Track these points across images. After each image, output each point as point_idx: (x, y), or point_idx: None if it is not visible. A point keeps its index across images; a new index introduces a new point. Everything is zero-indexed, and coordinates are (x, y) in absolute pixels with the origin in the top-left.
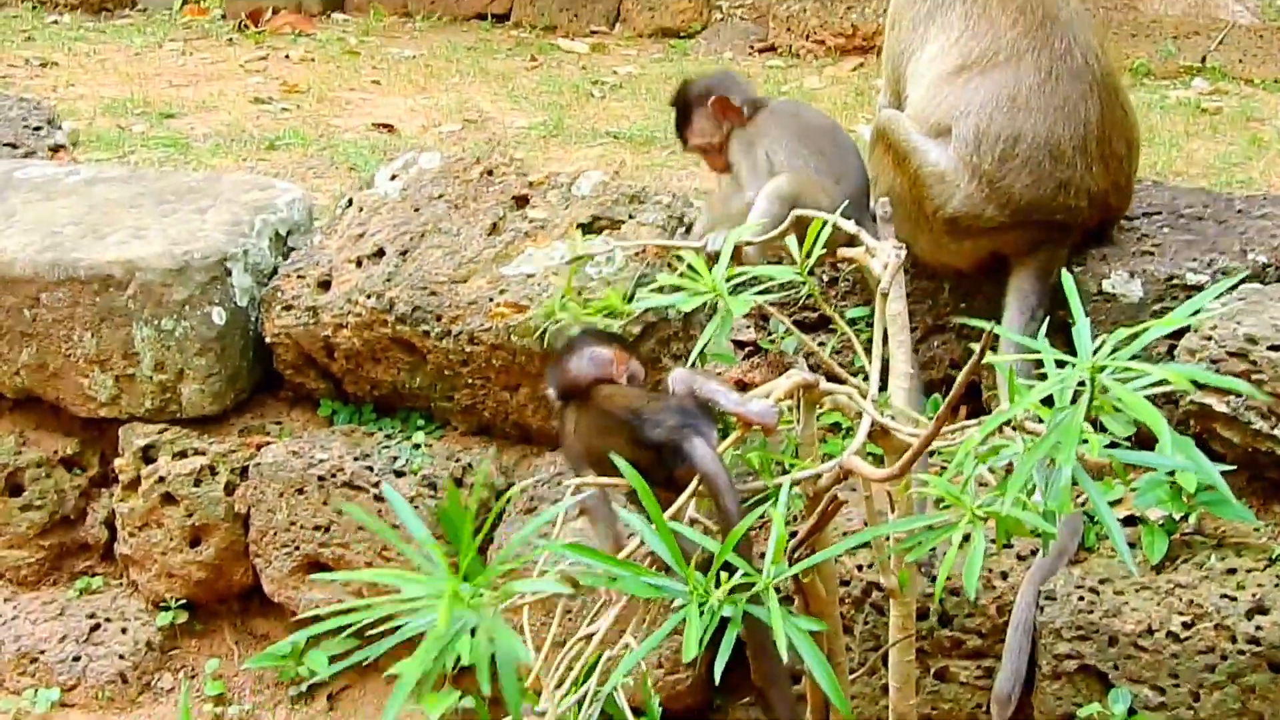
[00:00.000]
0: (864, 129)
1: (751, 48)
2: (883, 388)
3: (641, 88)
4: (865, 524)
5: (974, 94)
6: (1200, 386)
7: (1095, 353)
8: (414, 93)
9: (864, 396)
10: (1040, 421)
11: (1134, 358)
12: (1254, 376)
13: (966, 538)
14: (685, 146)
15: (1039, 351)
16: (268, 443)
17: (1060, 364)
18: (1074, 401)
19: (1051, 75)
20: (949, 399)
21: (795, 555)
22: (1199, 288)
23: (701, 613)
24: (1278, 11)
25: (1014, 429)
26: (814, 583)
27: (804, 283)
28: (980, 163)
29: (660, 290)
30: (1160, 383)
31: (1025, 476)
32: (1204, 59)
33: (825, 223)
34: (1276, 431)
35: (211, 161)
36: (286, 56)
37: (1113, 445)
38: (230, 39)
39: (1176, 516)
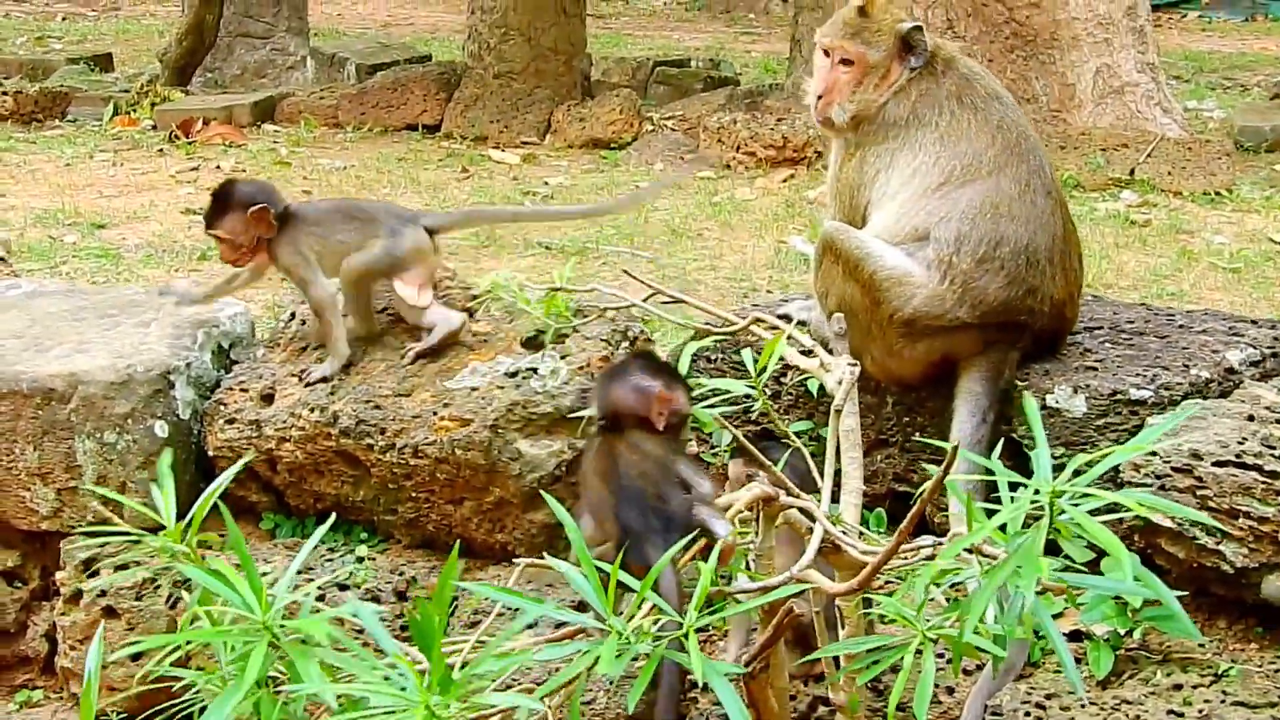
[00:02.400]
0: (795, 240)
1: (682, 159)
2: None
3: (573, 198)
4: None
5: (955, 203)
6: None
7: (1055, 476)
8: None
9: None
10: (996, 544)
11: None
12: (1199, 492)
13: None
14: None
15: (994, 472)
16: (210, 556)
17: (1013, 485)
18: (1027, 525)
19: (1029, 188)
20: (909, 517)
21: (750, 667)
22: (1142, 403)
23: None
24: (1204, 124)
25: (970, 552)
26: (766, 697)
27: (757, 399)
28: (959, 263)
29: None
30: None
31: (985, 602)
32: (1133, 171)
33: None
34: (1221, 548)
35: (143, 272)
36: (218, 167)
37: (1065, 567)
38: (161, 150)
39: (1122, 632)
